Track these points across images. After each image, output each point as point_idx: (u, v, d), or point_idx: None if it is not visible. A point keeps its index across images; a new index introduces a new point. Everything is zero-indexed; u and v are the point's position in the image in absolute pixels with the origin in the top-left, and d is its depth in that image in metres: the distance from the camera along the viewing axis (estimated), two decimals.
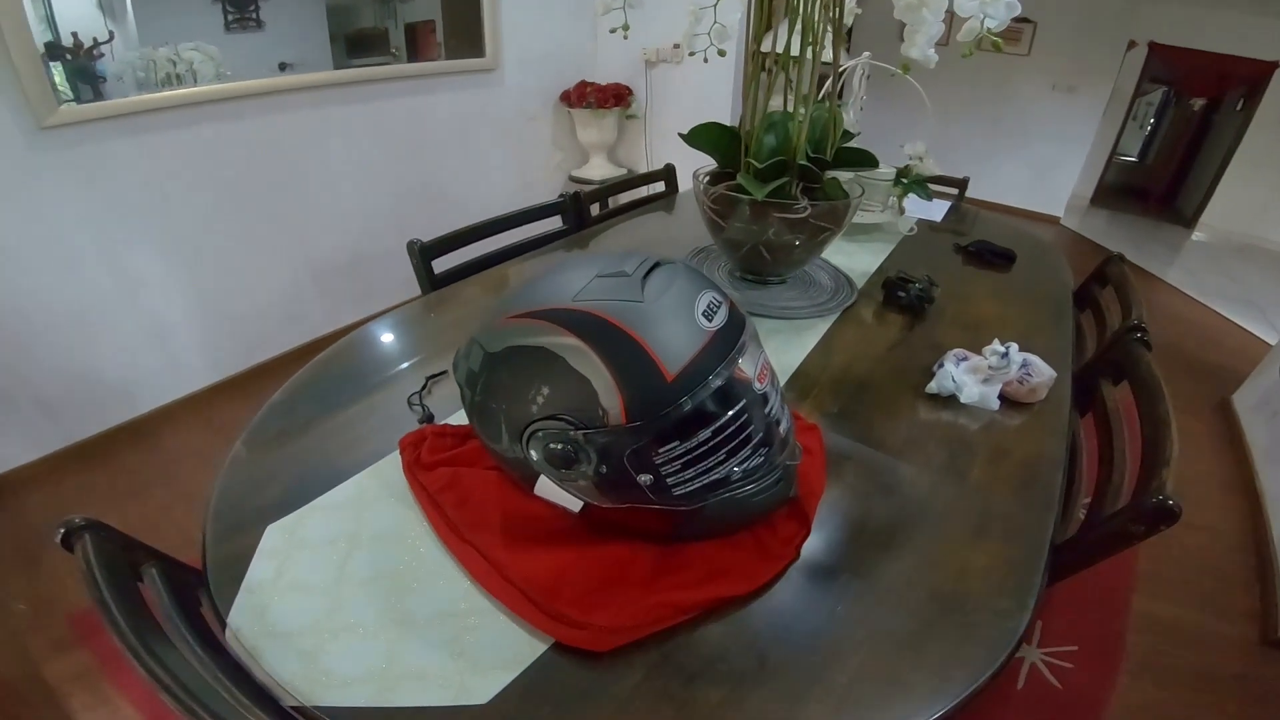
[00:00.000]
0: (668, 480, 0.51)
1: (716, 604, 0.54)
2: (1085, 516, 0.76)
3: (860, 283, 1.29)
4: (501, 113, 2.80)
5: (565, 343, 0.49)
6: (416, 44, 2.29)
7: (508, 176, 2.97)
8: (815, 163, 1.02)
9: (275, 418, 0.80)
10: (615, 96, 2.89)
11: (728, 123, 3.00)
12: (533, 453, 0.52)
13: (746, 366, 0.53)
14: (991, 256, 1.54)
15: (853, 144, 1.10)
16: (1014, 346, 0.96)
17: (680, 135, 1.07)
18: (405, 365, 0.95)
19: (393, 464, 0.70)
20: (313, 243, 2.27)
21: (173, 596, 0.53)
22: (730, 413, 0.51)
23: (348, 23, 2.08)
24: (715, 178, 1.12)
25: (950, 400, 0.93)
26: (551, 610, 0.52)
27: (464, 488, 0.63)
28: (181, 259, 1.92)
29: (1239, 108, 5.39)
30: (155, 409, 1.99)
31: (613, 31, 1.01)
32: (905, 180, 1.52)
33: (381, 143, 2.34)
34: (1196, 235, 5.43)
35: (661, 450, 0.50)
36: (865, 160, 1.08)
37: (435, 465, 0.66)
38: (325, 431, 0.78)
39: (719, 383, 0.50)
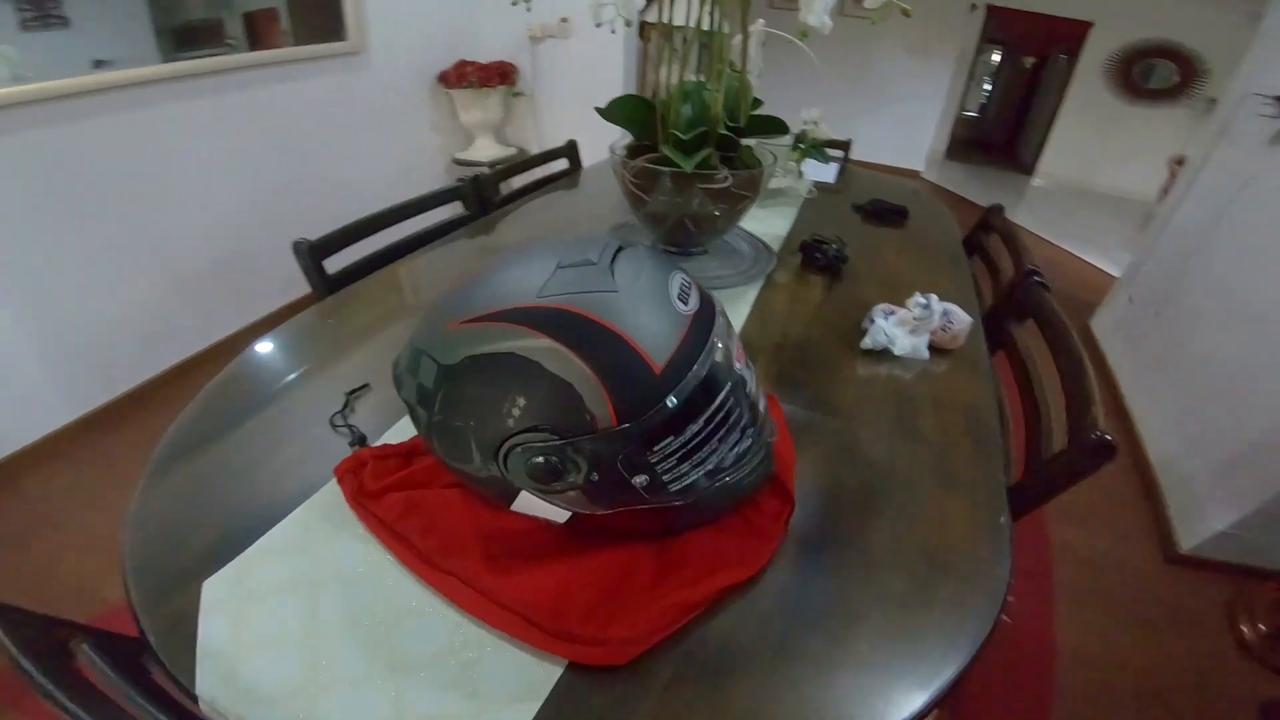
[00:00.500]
0: (664, 478, 0.47)
1: (723, 594, 0.52)
2: (1026, 455, 0.81)
3: (776, 247, 1.30)
4: (373, 97, 2.59)
5: (538, 345, 0.44)
6: (257, 33, 2.04)
7: (386, 163, 2.77)
8: (733, 131, 1.01)
9: (174, 458, 0.68)
10: (500, 75, 2.75)
11: (620, 93, 2.93)
12: (511, 470, 0.46)
13: (725, 347, 0.50)
14: (887, 213, 1.61)
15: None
16: (934, 297, 1.00)
17: (597, 110, 1.02)
18: (314, 383, 0.84)
19: (332, 494, 0.62)
20: (172, 251, 1.99)
21: (121, 672, 0.44)
22: (719, 398, 0.48)
23: (174, 15, 1.84)
24: (633, 151, 1.08)
25: (884, 354, 0.96)
26: (561, 631, 0.48)
27: (426, 512, 0.57)
28: (11, 286, 1.63)
29: (1063, 64, 6.02)
30: (10, 454, 1.70)
31: (515, 4, 0.93)
32: (803, 145, 1.54)
33: (240, 138, 2.09)
34: (1036, 181, 6.04)
35: (657, 448, 0.46)
36: (776, 127, 1.07)
37: (384, 491, 0.59)
38: (240, 468, 0.67)
39: (705, 369, 0.47)
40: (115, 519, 1.58)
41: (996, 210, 1.55)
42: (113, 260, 1.85)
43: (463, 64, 2.77)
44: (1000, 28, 5.79)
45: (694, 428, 0.47)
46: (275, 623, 0.50)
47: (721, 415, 0.48)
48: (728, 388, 0.49)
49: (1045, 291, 1.09)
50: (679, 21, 1.02)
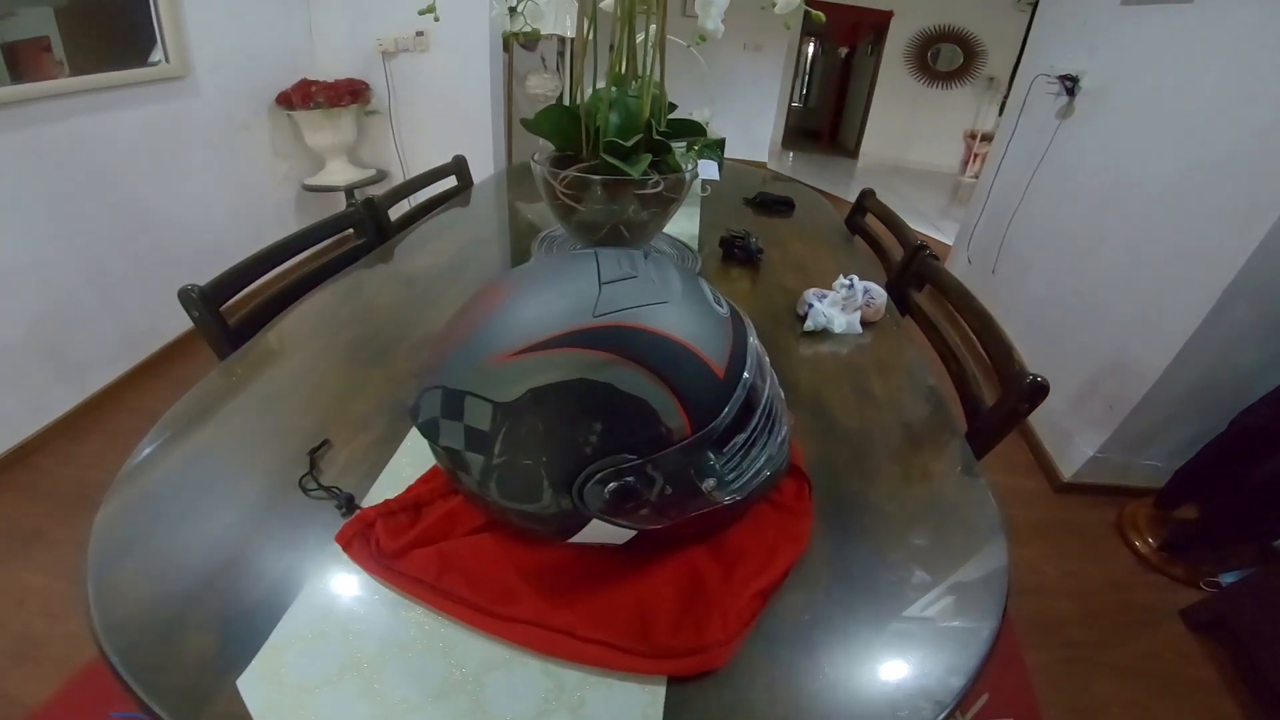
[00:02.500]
0: (728, 477, 0.48)
1: (787, 575, 0.55)
2: (963, 402, 0.91)
3: (694, 245, 1.35)
4: (204, 125, 2.31)
5: (607, 366, 0.43)
6: (21, 66, 1.70)
7: (226, 196, 2.47)
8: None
9: (116, 560, 0.57)
10: (350, 93, 2.56)
11: (488, 107, 2.86)
12: (588, 500, 0.45)
13: (755, 341, 0.52)
14: (775, 204, 1.73)
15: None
16: (855, 277, 1.10)
17: (523, 122, 0.99)
18: (259, 450, 0.73)
19: (339, 565, 0.56)
20: None
21: None
22: (766, 390, 0.50)
23: None
24: (556, 161, 1.06)
25: (823, 333, 1.03)
26: (656, 649, 0.47)
27: (465, 563, 0.53)
28: None
29: (870, 53, 6.71)
30: None
31: (422, 14, 0.89)
32: (699, 145, 1.61)
33: (42, 182, 1.76)
34: (860, 163, 6.70)
35: (725, 449, 0.47)
36: (694, 129, 1.11)
37: (407, 550, 0.54)
38: (210, 557, 0.58)
39: (754, 365, 0.48)
40: None
41: (869, 194, 1.71)
42: None
43: (306, 83, 2.55)
44: (815, 20, 6.35)
45: (754, 422, 0.48)
46: (340, 712, 0.45)
47: (769, 406, 0.50)
48: (769, 379, 0.51)
49: (937, 261, 1.23)
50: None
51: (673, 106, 1.12)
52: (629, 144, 0.94)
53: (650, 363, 0.43)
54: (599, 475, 0.44)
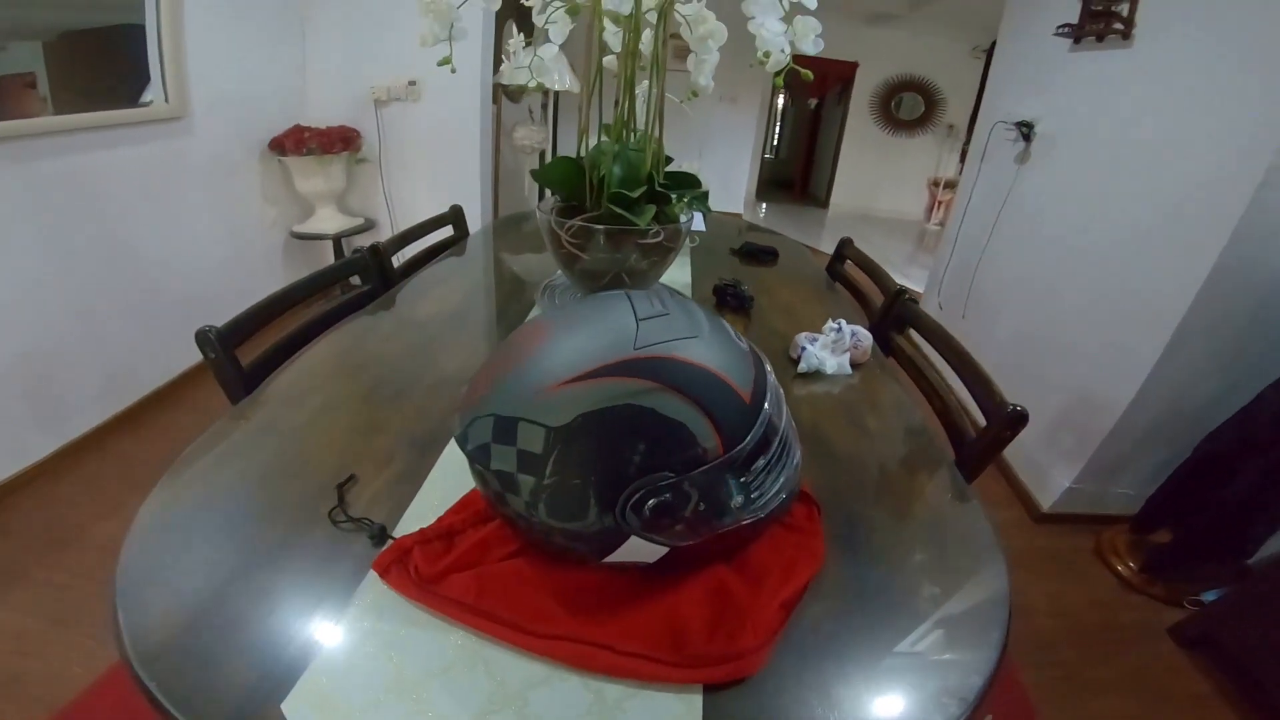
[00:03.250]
0: (753, 495, 0.53)
1: (807, 588, 0.59)
2: (949, 434, 0.97)
3: (688, 294, 1.42)
4: (197, 167, 2.33)
5: (650, 393, 0.48)
6: (3, 102, 1.71)
7: (215, 241, 2.48)
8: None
9: (147, 594, 0.58)
10: (343, 140, 2.63)
11: (477, 158, 2.95)
12: (630, 516, 0.49)
13: (771, 370, 0.58)
14: (760, 254, 1.82)
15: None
16: (843, 321, 1.17)
17: (532, 173, 1.06)
18: (282, 489, 0.75)
19: (376, 593, 0.58)
20: None
21: None
22: (784, 415, 0.55)
23: None
24: (562, 211, 1.13)
25: (815, 375, 1.09)
26: (691, 658, 0.50)
27: (502, 585, 0.56)
28: None
29: (838, 103, 7.03)
30: None
31: (442, 64, 0.95)
32: (688, 197, 1.69)
33: (34, 218, 1.77)
34: (830, 212, 6.97)
35: (753, 467, 0.52)
36: (691, 182, 1.19)
37: (445, 574, 0.57)
38: (242, 587, 0.59)
39: (773, 393, 0.54)
40: None
41: (848, 243, 1.81)
42: None
43: (299, 129, 2.61)
44: (786, 72, 6.64)
45: (775, 443, 0.53)
46: None
47: (785, 433, 0.55)
48: (783, 405, 0.56)
49: (916, 305, 1.31)
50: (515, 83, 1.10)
51: (669, 159, 1.20)
52: (634, 194, 1.01)
53: (687, 390, 0.48)
54: (641, 492, 0.48)
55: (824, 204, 7.24)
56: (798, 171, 8.29)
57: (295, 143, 2.54)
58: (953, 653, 0.55)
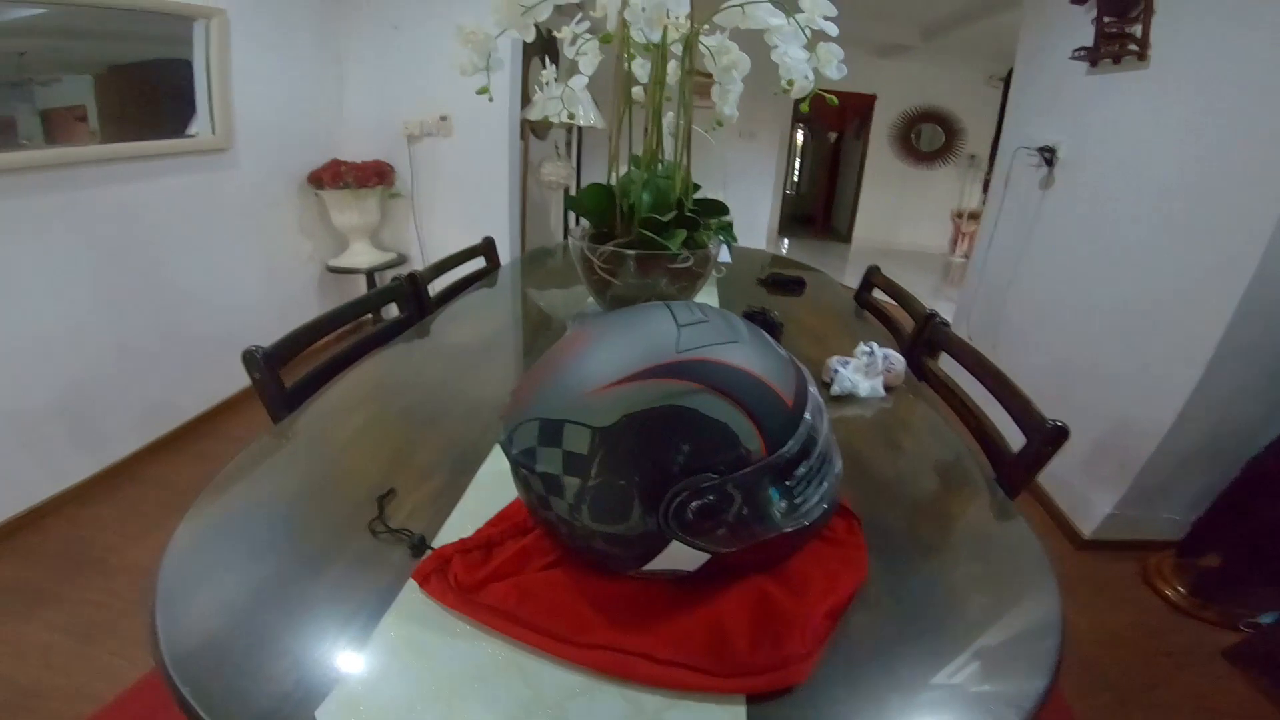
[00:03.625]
0: (797, 500, 0.53)
1: (852, 598, 0.58)
2: (988, 454, 0.96)
3: None
4: (240, 198, 2.42)
5: (693, 394, 0.48)
6: (54, 133, 1.83)
7: (253, 273, 2.56)
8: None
9: (186, 598, 0.59)
10: (377, 174, 2.71)
11: (506, 192, 3.02)
12: (673, 517, 0.49)
13: (810, 378, 0.58)
14: (788, 284, 1.83)
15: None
16: (875, 344, 1.17)
17: (566, 201, 1.10)
18: (322, 501, 0.77)
19: (414, 602, 0.59)
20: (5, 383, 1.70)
21: None
22: (825, 425, 0.55)
23: None
24: (594, 238, 1.15)
25: (849, 397, 1.09)
26: (736, 667, 0.50)
27: (541, 594, 0.56)
28: None
29: (857, 137, 7.09)
30: None
31: (480, 93, 0.99)
32: (715, 226, 1.72)
33: (80, 249, 1.86)
34: (854, 246, 6.97)
35: (796, 471, 0.52)
36: (718, 209, 1.21)
37: (484, 583, 0.57)
38: (281, 595, 0.60)
39: (815, 398, 0.54)
40: None
41: (875, 270, 1.81)
42: None
43: (336, 163, 2.69)
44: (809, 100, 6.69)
45: (817, 448, 0.53)
46: None
47: (828, 439, 0.55)
48: (824, 412, 0.56)
49: (948, 328, 1.31)
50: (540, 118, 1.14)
51: (696, 187, 1.22)
52: (665, 219, 1.03)
53: (730, 391, 0.49)
54: (685, 494, 0.49)
55: (846, 239, 7.26)
56: (819, 207, 8.33)
57: (332, 176, 2.63)
58: (1006, 667, 0.54)
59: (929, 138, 6.52)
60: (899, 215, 6.81)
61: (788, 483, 0.52)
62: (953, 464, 0.89)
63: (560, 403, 0.51)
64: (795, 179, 9.17)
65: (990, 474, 0.87)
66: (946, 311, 3.59)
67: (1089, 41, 2.11)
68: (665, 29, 0.99)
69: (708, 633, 0.52)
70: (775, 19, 0.95)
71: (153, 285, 2.11)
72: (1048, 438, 0.82)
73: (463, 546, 0.62)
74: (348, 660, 0.53)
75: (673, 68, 1.08)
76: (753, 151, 5.63)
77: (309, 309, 2.91)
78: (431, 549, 0.64)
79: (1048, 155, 2.36)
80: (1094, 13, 2.06)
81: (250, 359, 1.00)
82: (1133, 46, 1.93)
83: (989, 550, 0.71)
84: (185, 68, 2.14)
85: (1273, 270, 1.49)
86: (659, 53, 1.04)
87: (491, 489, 0.75)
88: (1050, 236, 2.38)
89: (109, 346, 1.97)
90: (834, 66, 0.96)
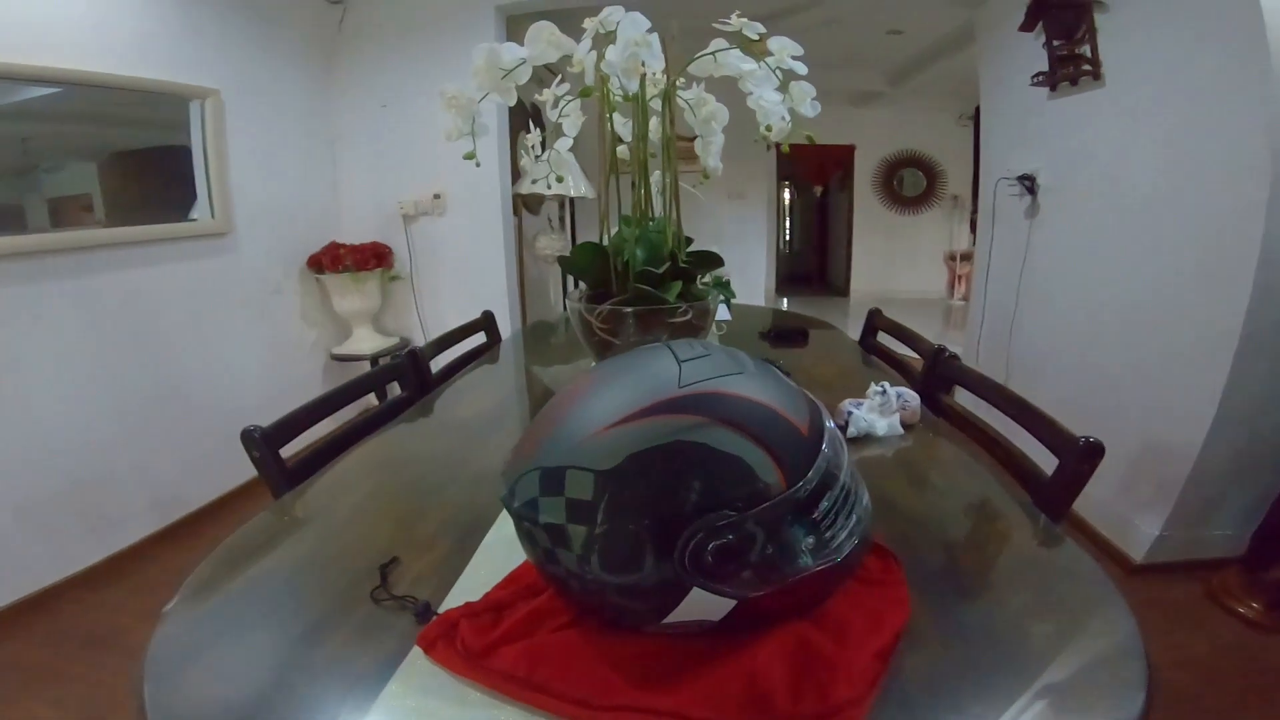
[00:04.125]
0: (826, 535, 0.49)
1: (899, 639, 0.53)
2: (1022, 483, 0.91)
3: None
4: (242, 284, 2.45)
5: (700, 428, 0.46)
6: (62, 221, 1.87)
7: (257, 362, 2.55)
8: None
9: (172, 678, 0.55)
10: (375, 256, 2.72)
11: (503, 268, 3.05)
12: (691, 561, 0.45)
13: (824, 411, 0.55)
14: (791, 335, 1.82)
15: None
16: (886, 384, 1.14)
17: (560, 260, 1.10)
18: (320, 573, 0.73)
19: (419, 670, 0.54)
20: (10, 475, 1.71)
21: None
22: (844, 455, 0.52)
23: None
24: (591, 299, 1.15)
25: (866, 439, 1.05)
26: (782, 717, 0.45)
27: (555, 657, 0.51)
28: None
29: (842, 188, 7.25)
30: None
31: (467, 158, 1.00)
32: (710, 282, 1.73)
33: (87, 336, 1.89)
34: (853, 299, 7.02)
35: (821, 504, 0.48)
36: (712, 261, 1.21)
37: (493, 648, 0.53)
38: (279, 665, 0.57)
39: (832, 425, 0.51)
40: None
41: (876, 313, 1.81)
42: None
43: (335, 246, 2.71)
44: (787, 163, 6.83)
45: (842, 480, 0.50)
46: None
47: (851, 470, 0.52)
48: (843, 442, 0.53)
49: (958, 361, 1.28)
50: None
51: (689, 240, 1.23)
52: (660, 270, 1.03)
53: (740, 422, 0.46)
54: (700, 535, 0.45)
55: (844, 292, 7.32)
56: (813, 262, 8.45)
57: (331, 259, 2.65)
58: (1088, 699, 0.49)
59: (911, 183, 6.67)
60: (893, 263, 6.88)
61: (813, 516, 0.48)
62: (986, 494, 0.85)
63: (561, 450, 0.48)
64: (787, 237, 9.32)
65: (1027, 501, 0.82)
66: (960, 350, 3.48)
67: (1045, 66, 2.19)
68: (643, 82, 1.01)
69: (745, 686, 0.47)
70: (746, 64, 0.97)
71: (158, 375, 2.12)
72: (1083, 455, 0.78)
73: (470, 610, 0.58)
74: None
75: (655, 124, 1.11)
76: (744, 211, 5.76)
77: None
78: (437, 614, 0.59)
79: (1028, 184, 2.39)
80: (1043, 38, 2.15)
81: (249, 439, 0.99)
82: (1086, 66, 2.00)
83: (1041, 576, 0.66)
84: (185, 154, 2.20)
85: (1276, 264, 1.48)
86: (639, 106, 1.06)
87: (499, 553, 0.71)
88: (1045, 264, 2.39)
89: (115, 435, 1.97)
90: (807, 104, 0.98)
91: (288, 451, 1.02)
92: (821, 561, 0.49)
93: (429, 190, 2.85)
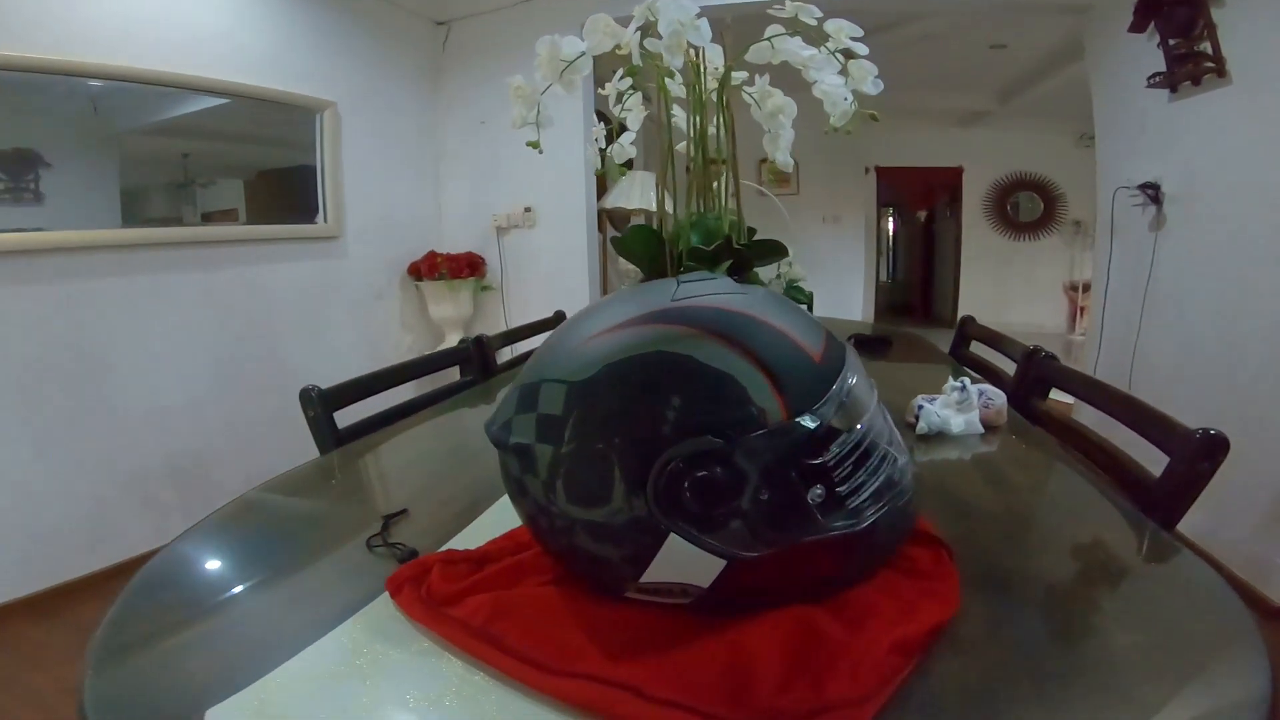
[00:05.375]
0: (840, 489, 0.41)
1: (935, 635, 0.42)
2: (1128, 492, 0.76)
3: None
4: (348, 286, 2.63)
5: (687, 339, 0.40)
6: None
7: (356, 363, 2.71)
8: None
9: (162, 583, 0.59)
10: (469, 265, 2.84)
11: (586, 282, 3.06)
12: (666, 497, 0.39)
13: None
14: (873, 343, 1.71)
15: None
16: (967, 379, 1.01)
17: (612, 242, 1.08)
18: (336, 518, 0.75)
19: (384, 611, 0.50)
20: (123, 445, 1.87)
21: None
22: (875, 394, 0.44)
23: (141, 209, 1.94)
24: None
25: (938, 437, 0.93)
26: (755, 711, 0.37)
27: (522, 613, 0.46)
28: None
29: (949, 214, 6.81)
30: None
31: (530, 145, 1.01)
32: (780, 279, 1.64)
33: (208, 326, 2.07)
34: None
35: (833, 446, 0.40)
36: (776, 250, 1.14)
37: (460, 596, 0.48)
38: (250, 596, 0.57)
39: (855, 359, 0.43)
40: (22, 703, 1.24)
41: (969, 320, 1.65)
42: (61, 452, 1.73)
43: (433, 255, 2.85)
44: (890, 187, 6.50)
45: (864, 423, 0.42)
46: None
47: (882, 414, 0.44)
48: (874, 393, 0.45)
49: (1056, 361, 1.13)
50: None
51: (753, 231, 1.16)
52: (710, 249, 0.98)
53: (734, 336, 0.40)
54: (677, 462, 0.38)
55: (950, 323, 6.79)
56: (917, 293, 7.98)
57: (429, 267, 2.81)
58: None
59: (1027, 207, 6.14)
60: (1006, 294, 6.35)
61: (823, 463, 0.40)
62: (1078, 495, 0.72)
63: (543, 364, 0.44)
64: (890, 267, 8.90)
65: (1132, 509, 0.69)
66: (1067, 395, 3.16)
67: (1161, 66, 1.98)
68: (700, 71, 0.99)
69: (722, 667, 0.39)
70: (805, 50, 0.93)
71: (266, 368, 2.29)
72: (1201, 450, 0.64)
73: (448, 557, 0.54)
74: (269, 664, 0.44)
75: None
76: (839, 237, 5.54)
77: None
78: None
79: (1151, 193, 2.14)
80: (1156, 38, 1.96)
81: (306, 397, 1.03)
82: (1208, 64, 1.79)
83: (1141, 589, 0.54)
84: (313, 173, 2.46)
85: None
86: (695, 94, 1.03)
87: (510, 512, 0.67)
88: (1172, 279, 2.11)
89: (221, 417, 2.13)
90: (869, 82, 0.92)
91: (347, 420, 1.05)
92: (840, 523, 0.41)
93: (520, 204, 2.96)
